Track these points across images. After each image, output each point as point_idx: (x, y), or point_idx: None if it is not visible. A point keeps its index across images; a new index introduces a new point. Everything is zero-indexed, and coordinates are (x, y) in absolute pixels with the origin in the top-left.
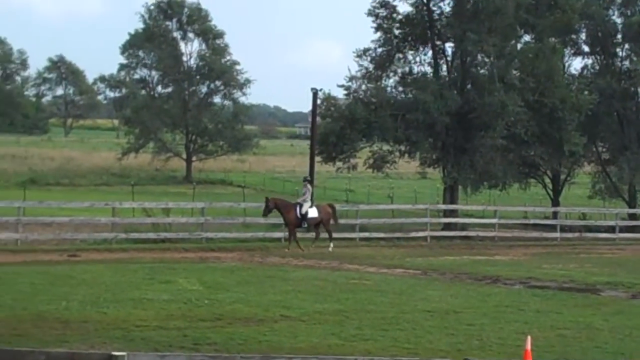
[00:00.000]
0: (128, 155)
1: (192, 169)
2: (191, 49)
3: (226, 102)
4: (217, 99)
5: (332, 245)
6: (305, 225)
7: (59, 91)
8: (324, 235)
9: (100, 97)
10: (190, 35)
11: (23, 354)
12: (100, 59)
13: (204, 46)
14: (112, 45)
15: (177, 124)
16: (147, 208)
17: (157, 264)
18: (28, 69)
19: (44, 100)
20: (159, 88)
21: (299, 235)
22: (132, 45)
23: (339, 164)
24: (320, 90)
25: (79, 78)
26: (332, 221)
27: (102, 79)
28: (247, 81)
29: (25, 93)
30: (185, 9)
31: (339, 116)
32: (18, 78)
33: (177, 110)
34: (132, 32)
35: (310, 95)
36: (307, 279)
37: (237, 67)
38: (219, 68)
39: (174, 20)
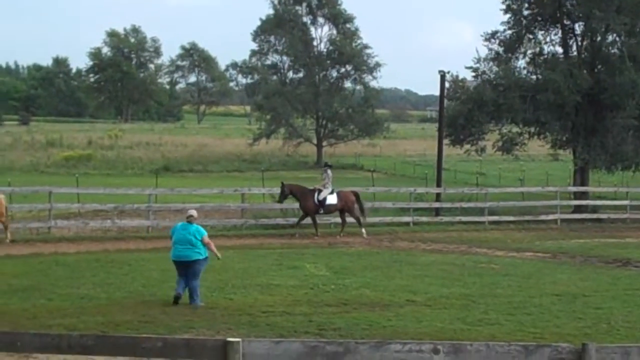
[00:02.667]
0: (259, 141)
1: (323, 153)
2: (321, 33)
3: (357, 87)
4: (347, 84)
5: (364, 230)
6: (322, 212)
7: (192, 78)
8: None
9: (232, 84)
10: (320, 19)
11: (141, 340)
12: (232, 45)
13: (334, 30)
14: (243, 31)
15: (308, 109)
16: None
17: (285, 250)
18: (161, 56)
19: (177, 87)
20: (290, 73)
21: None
22: (263, 31)
23: (467, 146)
24: (449, 72)
25: (211, 65)
26: (356, 208)
27: (234, 65)
28: (378, 65)
29: (159, 81)
30: None
31: (467, 98)
32: (152, 66)
33: (308, 95)
34: (263, 17)
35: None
36: (434, 263)
37: (368, 50)
38: (349, 52)
39: (304, 5)
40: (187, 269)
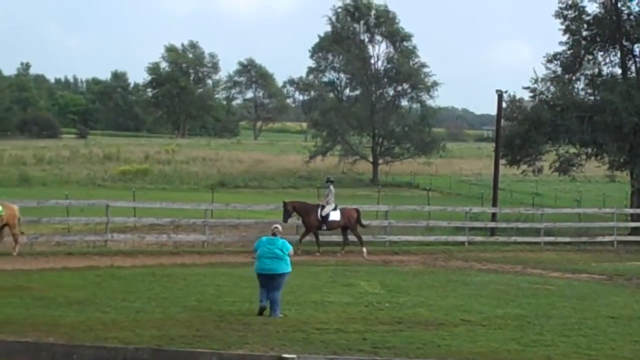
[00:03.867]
0: (315, 158)
1: (379, 171)
2: (379, 51)
3: (413, 105)
4: (404, 102)
5: (365, 250)
6: (325, 228)
7: (249, 94)
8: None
9: (289, 100)
10: (378, 37)
11: (196, 355)
12: (289, 62)
13: (391, 48)
14: (301, 48)
15: (364, 126)
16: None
17: (340, 267)
18: (219, 72)
19: (234, 103)
20: (347, 91)
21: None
22: (321, 48)
23: (523, 167)
24: (506, 92)
25: (268, 81)
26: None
27: (291, 82)
28: (435, 84)
29: (216, 96)
30: (373, 11)
31: (524, 119)
32: (209, 81)
33: (365, 112)
34: (321, 34)
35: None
36: (489, 283)
37: (425, 69)
38: (406, 71)
39: (362, 22)
40: (272, 282)
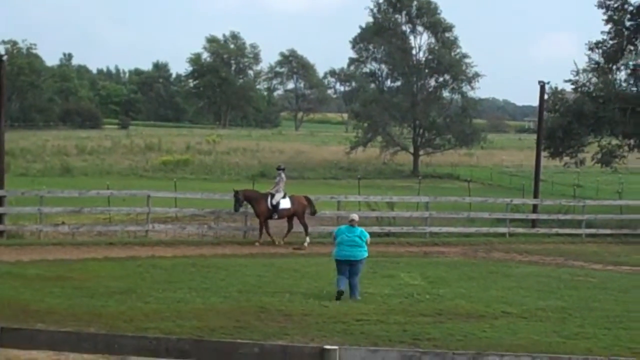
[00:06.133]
0: (356, 149)
1: (419, 162)
2: (420, 42)
3: (455, 96)
4: (445, 93)
5: (307, 239)
6: (276, 217)
7: (290, 85)
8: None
9: (330, 91)
10: (420, 28)
11: (237, 345)
12: (330, 52)
13: (433, 39)
14: (342, 39)
15: (405, 117)
16: (371, 202)
17: (381, 258)
18: (260, 63)
19: (275, 94)
20: (388, 82)
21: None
22: (362, 39)
23: (565, 158)
24: (548, 83)
25: (309, 72)
26: (307, 213)
27: (332, 72)
28: (476, 75)
29: (258, 87)
30: (415, 2)
31: (565, 110)
32: (251, 72)
33: (406, 104)
34: (363, 25)
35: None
36: (530, 275)
37: (466, 60)
38: (447, 61)
39: (403, 13)
40: (351, 267)
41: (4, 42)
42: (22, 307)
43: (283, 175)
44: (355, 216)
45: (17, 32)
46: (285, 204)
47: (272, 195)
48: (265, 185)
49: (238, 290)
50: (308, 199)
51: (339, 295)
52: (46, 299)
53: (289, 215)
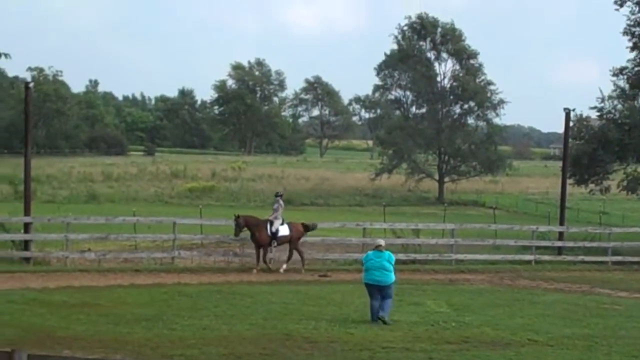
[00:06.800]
0: (381, 176)
1: (445, 189)
2: (445, 69)
3: (480, 123)
4: (470, 120)
5: (285, 266)
6: (276, 245)
7: (315, 112)
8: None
9: (355, 118)
10: (444, 55)
11: None
12: (355, 79)
13: (457, 66)
14: (367, 66)
15: (430, 144)
16: (397, 229)
17: (406, 285)
18: (285, 89)
19: (300, 120)
20: (413, 108)
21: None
22: (387, 66)
23: (591, 186)
24: (573, 110)
25: (334, 99)
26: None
27: (357, 99)
28: (501, 102)
29: (283, 114)
30: (439, 29)
31: (591, 137)
32: (276, 99)
33: (431, 130)
34: (387, 52)
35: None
36: (556, 302)
37: (491, 87)
38: (472, 88)
39: (428, 40)
40: (380, 292)
41: (30, 69)
42: (48, 333)
43: (281, 201)
44: (381, 241)
45: (43, 59)
46: (284, 230)
47: (272, 222)
48: (291, 213)
49: (264, 318)
50: (305, 226)
51: (374, 320)
52: (72, 325)
53: (287, 242)
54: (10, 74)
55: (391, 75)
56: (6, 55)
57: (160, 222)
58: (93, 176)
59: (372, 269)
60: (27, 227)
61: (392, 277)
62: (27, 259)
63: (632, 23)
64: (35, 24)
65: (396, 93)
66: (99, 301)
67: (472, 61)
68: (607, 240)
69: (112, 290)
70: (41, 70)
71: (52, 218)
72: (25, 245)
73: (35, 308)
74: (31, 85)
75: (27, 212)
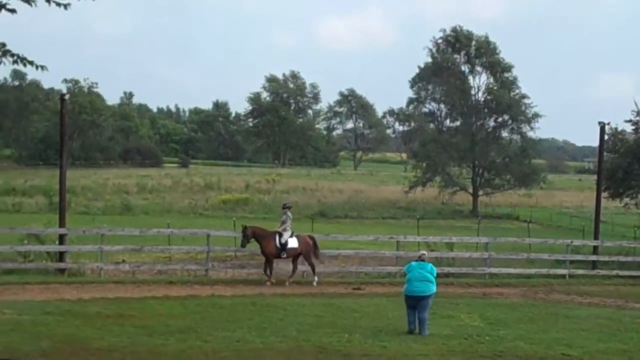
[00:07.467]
0: (415, 189)
1: (479, 203)
2: (479, 82)
3: (514, 136)
4: (504, 133)
5: (316, 279)
6: (284, 256)
7: (349, 124)
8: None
9: (389, 131)
10: (478, 68)
11: None
12: (389, 92)
13: (491, 79)
14: (401, 78)
15: (464, 157)
16: (430, 242)
17: (440, 299)
18: (320, 102)
19: (334, 133)
20: (447, 122)
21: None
22: (421, 79)
23: (626, 199)
24: (608, 124)
25: (368, 111)
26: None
27: (391, 112)
28: (536, 115)
29: (316, 126)
30: (474, 42)
31: (626, 151)
32: (310, 111)
33: (465, 144)
34: (421, 65)
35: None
36: (590, 317)
37: (526, 100)
38: (507, 102)
39: (462, 53)
40: (420, 302)
41: (65, 81)
42: (83, 345)
43: (289, 213)
44: (424, 252)
45: (79, 71)
46: (293, 243)
47: (280, 235)
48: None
49: (297, 330)
50: (313, 239)
51: (411, 332)
52: (106, 337)
53: (296, 255)
54: (46, 85)
55: (425, 88)
56: (43, 67)
57: (194, 234)
58: (127, 188)
59: (414, 280)
60: (62, 239)
61: (434, 288)
62: (62, 270)
63: None
64: (70, 36)
65: (430, 106)
66: (133, 312)
67: (506, 74)
68: None
69: (146, 301)
70: (76, 82)
71: (87, 229)
72: (60, 256)
73: (70, 319)
74: (66, 97)
75: (62, 223)
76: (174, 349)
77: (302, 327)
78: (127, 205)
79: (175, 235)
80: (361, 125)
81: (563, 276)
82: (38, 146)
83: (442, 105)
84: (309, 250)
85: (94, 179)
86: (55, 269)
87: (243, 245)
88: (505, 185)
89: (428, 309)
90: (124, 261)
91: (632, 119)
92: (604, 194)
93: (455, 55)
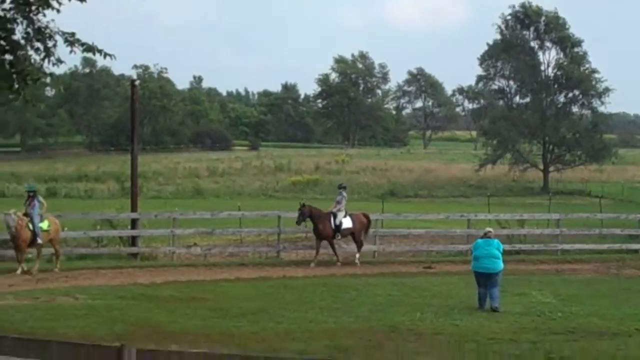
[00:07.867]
0: (485, 167)
1: (549, 179)
2: (549, 57)
3: (584, 111)
4: (575, 108)
5: (358, 256)
6: (339, 237)
7: (418, 103)
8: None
9: (458, 109)
10: (548, 44)
11: None
12: (458, 70)
13: (561, 55)
14: (470, 56)
15: (535, 134)
16: (501, 219)
17: (511, 276)
18: (388, 82)
19: (403, 112)
20: (517, 98)
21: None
22: (490, 56)
23: None
24: None
25: (437, 90)
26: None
27: (460, 90)
28: (606, 89)
29: (386, 106)
30: (543, 18)
31: None
32: (379, 91)
33: (535, 120)
34: (490, 42)
35: None
36: None
37: (596, 75)
38: (577, 77)
39: (531, 29)
40: (489, 279)
41: (136, 67)
42: (156, 328)
43: (344, 193)
44: (490, 229)
45: (148, 57)
46: (347, 223)
47: (335, 215)
48: (395, 204)
49: (369, 310)
50: (367, 217)
51: (481, 308)
52: (179, 320)
53: (350, 234)
54: (116, 72)
55: (494, 65)
56: (111, 55)
57: (265, 216)
58: (198, 171)
59: (481, 257)
60: (134, 223)
61: (501, 264)
62: (134, 255)
63: None
64: (140, 22)
65: (499, 83)
66: (205, 295)
67: (576, 49)
68: None
69: (218, 284)
70: (146, 67)
71: (159, 214)
72: (133, 241)
73: (144, 303)
74: (137, 82)
75: (134, 208)
76: (246, 330)
77: (374, 307)
78: (198, 189)
79: (246, 218)
80: (430, 104)
81: (636, 251)
82: (109, 132)
83: (511, 82)
84: (361, 229)
85: (165, 163)
86: (128, 253)
87: (298, 223)
88: (577, 160)
89: (498, 286)
90: (195, 244)
91: None
92: None
93: (525, 32)
